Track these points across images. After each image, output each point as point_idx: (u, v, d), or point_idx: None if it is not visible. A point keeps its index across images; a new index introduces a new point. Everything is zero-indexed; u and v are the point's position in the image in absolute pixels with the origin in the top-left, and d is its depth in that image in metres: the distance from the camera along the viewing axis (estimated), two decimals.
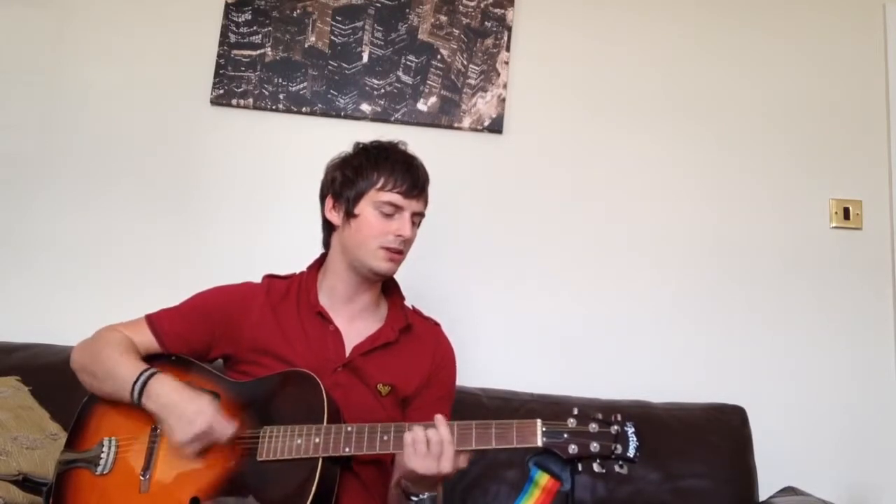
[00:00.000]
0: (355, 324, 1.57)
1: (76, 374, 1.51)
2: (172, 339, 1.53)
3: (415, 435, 1.28)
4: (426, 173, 1.59)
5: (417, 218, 1.57)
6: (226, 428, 1.37)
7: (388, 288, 1.66)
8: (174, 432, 1.36)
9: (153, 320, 1.54)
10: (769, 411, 2.13)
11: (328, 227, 1.61)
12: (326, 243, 1.63)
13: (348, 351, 1.54)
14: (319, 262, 1.65)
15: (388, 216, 1.52)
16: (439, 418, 1.30)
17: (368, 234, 1.52)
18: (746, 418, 2.01)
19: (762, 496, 1.92)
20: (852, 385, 2.22)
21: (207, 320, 1.55)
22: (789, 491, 1.85)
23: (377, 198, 1.52)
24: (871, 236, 2.31)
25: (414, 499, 1.34)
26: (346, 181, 1.56)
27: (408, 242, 1.55)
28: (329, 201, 1.59)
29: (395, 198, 1.52)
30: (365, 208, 1.53)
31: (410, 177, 1.54)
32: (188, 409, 1.36)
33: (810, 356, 2.24)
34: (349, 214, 1.54)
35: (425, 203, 1.59)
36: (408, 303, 1.68)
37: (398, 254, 1.54)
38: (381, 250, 1.51)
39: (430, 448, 1.27)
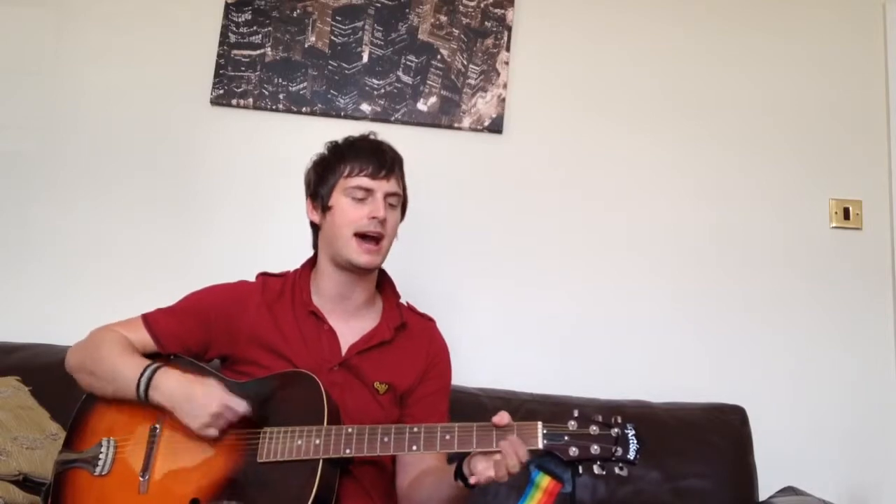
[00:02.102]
0: (350, 323, 1.58)
1: (73, 376, 1.51)
2: (169, 340, 1.53)
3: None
4: (396, 155, 1.60)
5: (394, 199, 1.57)
6: (238, 404, 1.38)
7: (382, 286, 1.66)
8: (191, 418, 1.37)
9: (150, 321, 1.54)
10: (769, 411, 2.13)
11: (314, 229, 1.63)
12: (315, 245, 1.64)
13: (344, 350, 1.54)
14: (312, 262, 1.65)
15: (360, 201, 1.53)
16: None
17: (343, 221, 1.53)
18: (746, 418, 2.01)
19: (762, 496, 1.92)
20: (852, 385, 2.22)
21: (204, 320, 1.55)
22: (789, 491, 1.85)
23: (346, 185, 1.54)
24: (871, 236, 2.31)
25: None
26: (318, 179, 1.59)
27: (386, 226, 1.54)
28: (309, 203, 1.61)
29: (364, 181, 1.53)
30: (338, 198, 1.54)
31: (376, 159, 1.55)
32: (198, 393, 1.38)
33: (810, 356, 2.23)
34: (325, 209, 1.56)
35: (399, 184, 1.59)
36: (405, 300, 1.68)
37: (375, 243, 1.53)
38: (355, 239, 1.51)
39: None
